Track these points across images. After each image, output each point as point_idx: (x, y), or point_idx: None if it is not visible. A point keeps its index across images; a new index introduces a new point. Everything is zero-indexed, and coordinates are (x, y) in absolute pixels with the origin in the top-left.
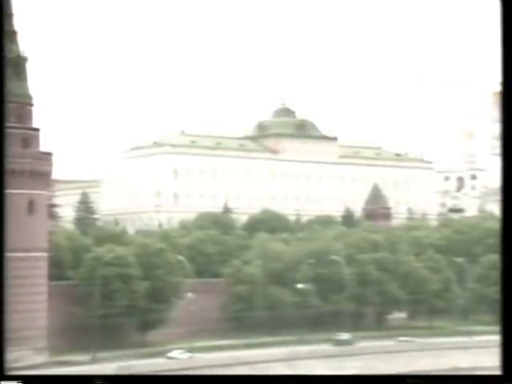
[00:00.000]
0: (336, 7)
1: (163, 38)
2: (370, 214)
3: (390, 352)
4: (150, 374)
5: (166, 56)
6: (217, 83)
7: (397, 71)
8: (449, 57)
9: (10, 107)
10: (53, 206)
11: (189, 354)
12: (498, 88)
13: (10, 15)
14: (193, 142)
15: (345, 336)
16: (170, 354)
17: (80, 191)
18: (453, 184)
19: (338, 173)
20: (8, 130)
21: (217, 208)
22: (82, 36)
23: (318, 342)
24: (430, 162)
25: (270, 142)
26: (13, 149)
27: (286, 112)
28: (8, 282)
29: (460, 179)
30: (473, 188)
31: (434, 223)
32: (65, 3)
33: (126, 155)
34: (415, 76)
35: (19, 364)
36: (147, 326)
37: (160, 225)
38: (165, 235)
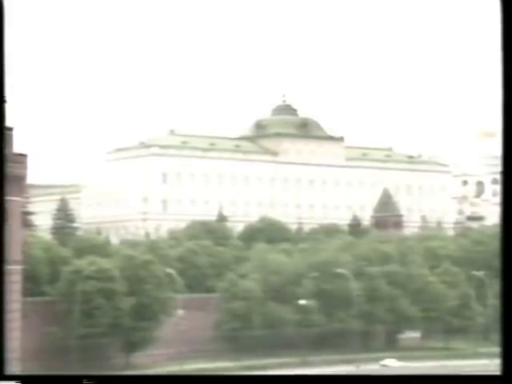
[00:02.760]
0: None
1: (150, 30)
2: (379, 223)
3: None
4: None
5: (153, 47)
6: (210, 77)
7: (410, 65)
8: (468, 52)
9: None
10: (28, 213)
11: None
12: None
13: None
14: (183, 142)
15: None
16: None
17: (58, 197)
18: (472, 189)
19: (344, 177)
20: None
21: (210, 216)
22: (62, 28)
23: (322, 363)
24: (446, 165)
25: (270, 143)
26: None
27: (287, 109)
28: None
29: (480, 184)
30: (494, 193)
31: (450, 233)
32: None
33: (110, 157)
34: (429, 70)
35: None
36: (132, 346)
37: (147, 234)
38: (152, 246)
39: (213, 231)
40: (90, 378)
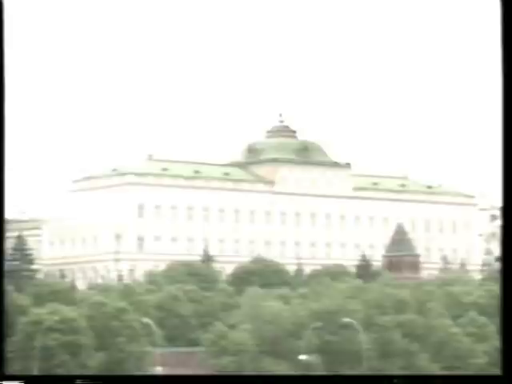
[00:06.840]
0: (353, 12)
1: (128, 43)
2: (393, 264)
3: None
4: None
5: (130, 58)
6: (195, 94)
7: (430, 81)
8: (496, 71)
9: None
10: None
11: None
12: None
13: None
14: (163, 169)
15: None
16: None
17: (14, 234)
18: None
19: (351, 210)
20: None
21: (194, 255)
22: (25, 39)
23: None
24: (471, 197)
25: (264, 170)
26: None
27: (285, 131)
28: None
29: None
30: None
31: (476, 276)
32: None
33: (76, 187)
34: (452, 88)
35: None
36: None
37: (120, 277)
38: (126, 291)
39: (197, 274)
40: (89, 378)
